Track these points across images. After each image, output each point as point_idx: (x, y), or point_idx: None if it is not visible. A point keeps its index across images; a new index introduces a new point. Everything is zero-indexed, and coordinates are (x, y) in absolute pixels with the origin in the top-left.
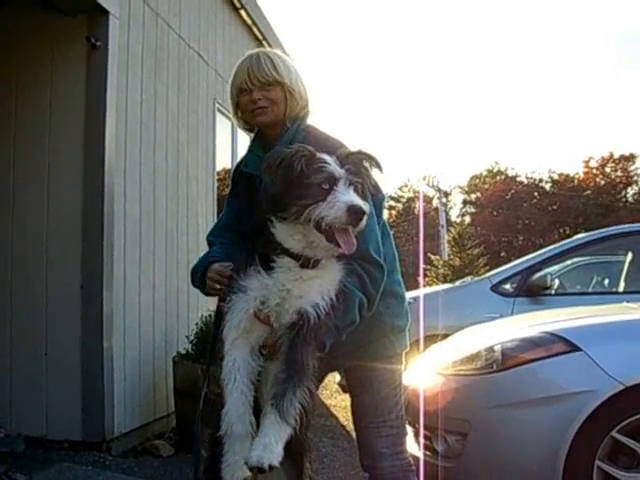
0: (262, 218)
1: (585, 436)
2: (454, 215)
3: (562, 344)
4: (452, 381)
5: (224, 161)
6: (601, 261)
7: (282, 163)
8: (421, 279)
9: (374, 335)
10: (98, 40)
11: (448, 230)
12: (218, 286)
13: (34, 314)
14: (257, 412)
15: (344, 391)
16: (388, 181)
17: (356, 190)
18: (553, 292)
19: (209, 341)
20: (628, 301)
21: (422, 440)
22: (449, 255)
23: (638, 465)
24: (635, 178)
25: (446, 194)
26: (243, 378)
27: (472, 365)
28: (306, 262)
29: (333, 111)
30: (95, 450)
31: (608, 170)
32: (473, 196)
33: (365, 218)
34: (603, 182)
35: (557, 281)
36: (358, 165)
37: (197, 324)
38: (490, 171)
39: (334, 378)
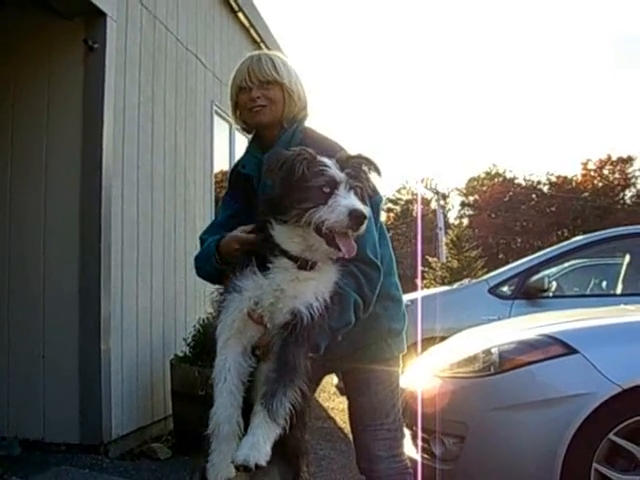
0: (260, 220)
1: (583, 439)
2: (452, 217)
3: (559, 346)
4: (450, 384)
5: (222, 163)
6: (599, 263)
7: (284, 165)
8: (419, 281)
9: (372, 338)
10: (95, 42)
11: (446, 232)
12: (237, 245)
13: (32, 316)
14: (248, 413)
15: (342, 394)
16: (386, 183)
17: (356, 194)
18: (551, 294)
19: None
20: (626, 303)
21: (420, 443)
22: (447, 257)
23: (636, 468)
24: (633, 180)
25: (444, 196)
26: (233, 378)
27: (470, 368)
28: (304, 264)
29: (331, 113)
30: (92, 453)
31: (606, 172)
32: (471, 198)
33: (366, 222)
34: (601, 184)
35: (555, 283)
36: (357, 169)
37: (195, 326)
38: (488, 173)
39: (332, 380)
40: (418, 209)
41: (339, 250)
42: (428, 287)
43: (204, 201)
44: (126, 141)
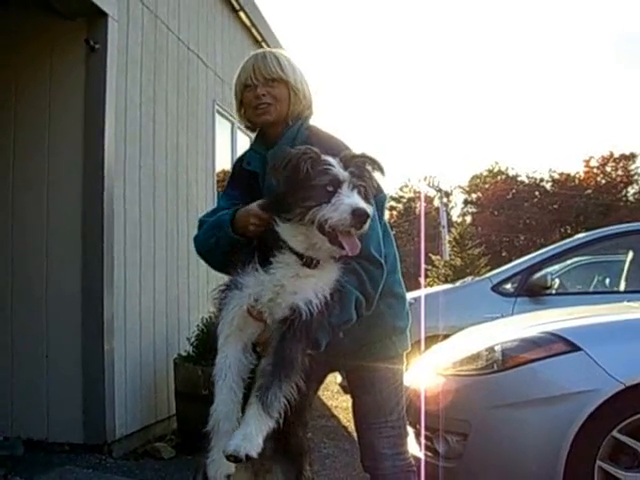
0: (271, 200)
1: (586, 436)
2: (455, 215)
3: (562, 344)
4: (453, 381)
5: (224, 162)
6: (602, 260)
7: (289, 164)
8: (422, 279)
9: (376, 335)
10: (97, 43)
11: (449, 230)
12: (255, 221)
13: (35, 316)
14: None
15: (345, 392)
16: (389, 181)
17: (359, 193)
18: (554, 292)
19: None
20: (629, 300)
21: (423, 441)
22: (450, 255)
23: (639, 465)
24: (635, 177)
25: (447, 194)
26: (234, 375)
27: (473, 365)
28: (309, 261)
29: (333, 112)
30: (96, 453)
31: (609, 169)
32: (474, 196)
33: (369, 221)
34: (604, 181)
35: (558, 281)
36: (361, 168)
37: (198, 326)
38: (491, 171)
39: (335, 379)
40: (421, 207)
41: (342, 248)
42: (431, 285)
43: (206, 200)
44: (128, 141)
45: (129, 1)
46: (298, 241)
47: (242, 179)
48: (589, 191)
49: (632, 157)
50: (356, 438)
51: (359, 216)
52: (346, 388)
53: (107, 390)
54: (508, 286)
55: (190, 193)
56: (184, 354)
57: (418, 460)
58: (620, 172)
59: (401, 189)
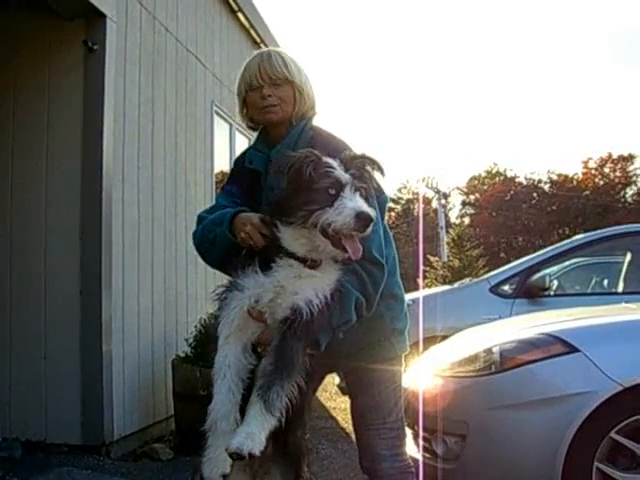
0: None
1: (584, 437)
2: (453, 216)
3: (560, 345)
4: (451, 383)
5: (222, 163)
6: (600, 262)
7: (292, 167)
8: (420, 281)
9: (375, 336)
10: (95, 44)
11: (447, 231)
12: (243, 235)
13: (33, 318)
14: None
15: (343, 393)
16: (387, 182)
17: (361, 195)
18: (552, 293)
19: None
20: (627, 302)
21: (421, 442)
22: (448, 256)
23: (637, 466)
24: (634, 178)
25: (445, 195)
26: (233, 376)
27: (471, 367)
28: (312, 264)
29: (332, 113)
30: (94, 454)
31: (607, 170)
32: (472, 197)
33: (372, 225)
34: (602, 182)
35: (556, 282)
36: (361, 169)
37: (196, 327)
38: (489, 172)
39: (333, 380)
40: (419, 208)
41: (345, 252)
42: (429, 286)
43: (205, 201)
44: (126, 142)
45: (127, 2)
46: (300, 244)
47: (243, 177)
48: (587, 192)
49: (630, 158)
50: (354, 439)
51: (363, 220)
52: (344, 389)
53: (105, 391)
54: (506, 287)
55: (189, 194)
56: (182, 355)
57: (416, 461)
58: (618, 173)
59: (399, 190)
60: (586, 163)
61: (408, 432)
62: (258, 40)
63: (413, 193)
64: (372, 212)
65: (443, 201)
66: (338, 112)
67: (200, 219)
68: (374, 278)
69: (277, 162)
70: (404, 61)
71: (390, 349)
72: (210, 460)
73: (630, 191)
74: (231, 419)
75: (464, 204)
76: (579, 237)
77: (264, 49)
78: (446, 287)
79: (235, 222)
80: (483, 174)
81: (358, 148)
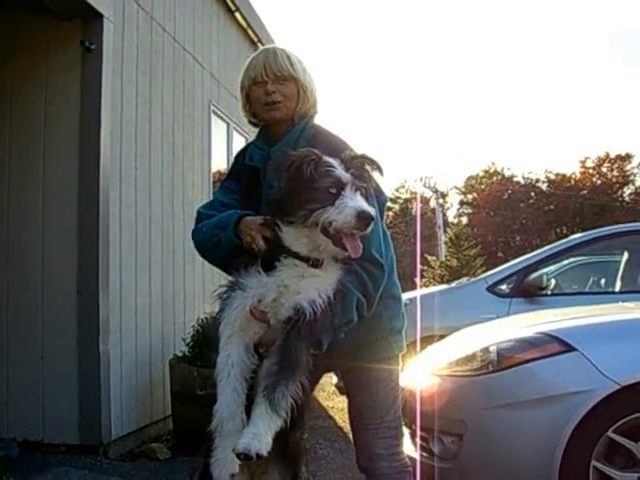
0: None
1: (581, 436)
2: (451, 216)
3: (557, 344)
4: (448, 382)
5: (220, 163)
6: (597, 261)
7: (292, 166)
8: (418, 280)
9: (374, 336)
10: (92, 44)
11: (445, 231)
12: (249, 239)
13: (30, 318)
14: (250, 410)
15: (341, 393)
16: (385, 182)
17: (361, 194)
18: (549, 292)
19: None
20: (624, 301)
21: (419, 441)
22: (446, 256)
23: (634, 465)
24: (631, 178)
25: (443, 195)
26: (237, 375)
27: (468, 366)
28: (315, 263)
29: (330, 112)
30: (92, 453)
31: (604, 170)
32: (470, 197)
33: (372, 224)
34: (599, 182)
35: (553, 281)
36: (361, 169)
37: (193, 327)
38: (487, 172)
39: (331, 380)
40: (417, 208)
41: (345, 250)
42: (427, 286)
43: (202, 201)
44: (124, 142)
45: (124, 2)
46: (302, 243)
47: (243, 174)
48: (585, 192)
49: (628, 157)
50: (352, 439)
51: (364, 219)
52: (342, 389)
53: (103, 391)
54: (504, 287)
55: (186, 194)
56: (180, 355)
57: (414, 460)
58: (616, 173)
59: (397, 190)
60: (583, 162)
61: (405, 431)
62: (255, 40)
63: (411, 192)
64: (373, 211)
65: (441, 200)
66: (336, 111)
67: (199, 215)
68: (374, 278)
69: (277, 160)
70: (402, 60)
71: (388, 348)
72: (218, 461)
73: (627, 190)
74: (237, 419)
75: (462, 203)
76: (576, 236)
77: (269, 46)
78: (444, 286)
79: (240, 226)
80: (481, 173)
81: (357, 148)
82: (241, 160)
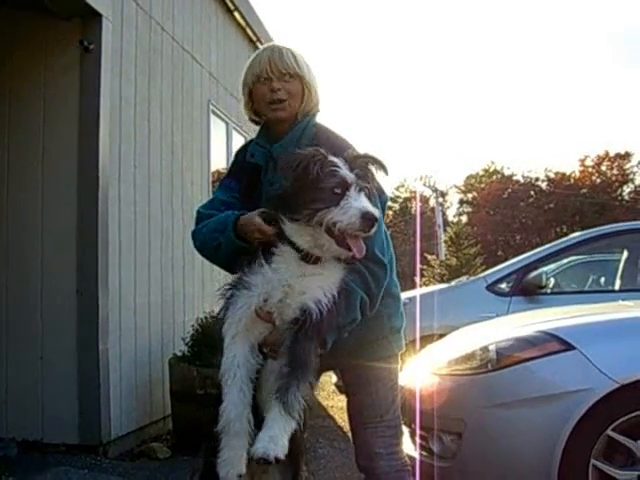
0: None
1: (580, 435)
2: (451, 215)
3: (557, 343)
4: (447, 381)
5: (219, 162)
6: (597, 260)
7: (299, 165)
8: (418, 279)
9: (373, 335)
10: (91, 43)
11: (445, 230)
12: (258, 235)
13: (29, 317)
14: (254, 409)
15: (341, 392)
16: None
17: (365, 195)
18: (549, 291)
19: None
20: (623, 299)
21: (418, 440)
22: (446, 255)
23: (633, 463)
24: (631, 176)
25: (443, 194)
26: (243, 376)
27: (467, 365)
28: (306, 256)
29: (330, 110)
30: (92, 453)
31: (604, 168)
32: (470, 196)
33: (376, 225)
34: (599, 180)
35: (553, 280)
36: (365, 169)
37: (193, 326)
38: (486, 170)
39: (330, 379)
40: (417, 207)
41: (350, 251)
42: (427, 285)
43: (201, 200)
44: (123, 141)
45: (123, 2)
46: (305, 240)
47: (243, 171)
48: (584, 190)
49: (627, 156)
50: (351, 438)
51: (368, 220)
52: (341, 388)
53: (102, 390)
54: (503, 285)
55: (185, 193)
56: (179, 354)
57: (413, 459)
58: (615, 171)
59: (397, 189)
60: (583, 161)
61: (405, 430)
62: (254, 39)
63: (411, 192)
64: (377, 212)
65: (440, 199)
66: (336, 110)
67: (199, 215)
68: (377, 277)
69: (284, 159)
70: (402, 59)
71: (387, 347)
72: (225, 461)
73: (627, 189)
74: (244, 419)
75: (461, 202)
76: (576, 235)
77: (274, 43)
78: (443, 285)
79: (239, 227)
80: (480, 172)
81: (358, 146)
82: (241, 157)
